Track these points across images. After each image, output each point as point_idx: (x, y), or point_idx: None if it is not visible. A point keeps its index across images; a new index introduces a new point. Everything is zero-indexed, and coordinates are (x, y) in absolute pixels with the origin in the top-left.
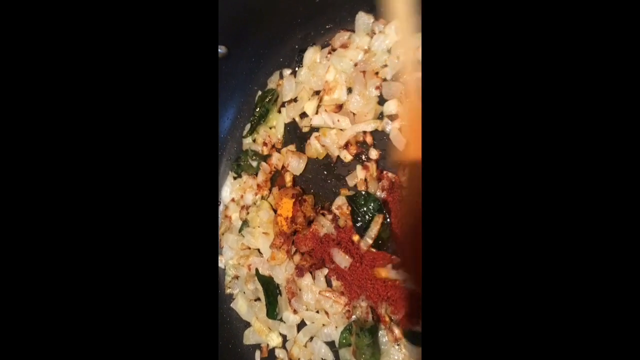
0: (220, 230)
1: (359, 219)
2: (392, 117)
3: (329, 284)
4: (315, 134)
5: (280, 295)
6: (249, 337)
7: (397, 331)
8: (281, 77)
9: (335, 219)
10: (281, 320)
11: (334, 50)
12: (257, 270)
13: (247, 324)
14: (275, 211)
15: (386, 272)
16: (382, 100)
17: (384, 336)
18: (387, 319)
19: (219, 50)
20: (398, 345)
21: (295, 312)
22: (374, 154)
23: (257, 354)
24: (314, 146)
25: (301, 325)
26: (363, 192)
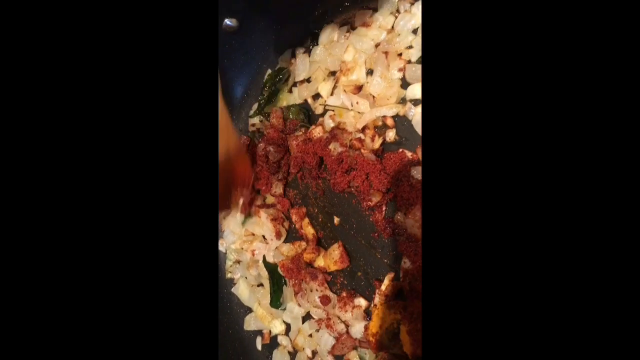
0: (223, 214)
1: None
2: (415, 102)
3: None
4: (330, 112)
5: (286, 285)
6: (250, 323)
7: None
8: (293, 55)
9: None
10: (285, 309)
11: (353, 28)
12: (264, 257)
13: (248, 310)
14: None
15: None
16: (404, 84)
17: None
18: None
19: (229, 23)
20: None
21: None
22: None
23: (259, 340)
24: (327, 125)
25: (307, 316)
26: None
